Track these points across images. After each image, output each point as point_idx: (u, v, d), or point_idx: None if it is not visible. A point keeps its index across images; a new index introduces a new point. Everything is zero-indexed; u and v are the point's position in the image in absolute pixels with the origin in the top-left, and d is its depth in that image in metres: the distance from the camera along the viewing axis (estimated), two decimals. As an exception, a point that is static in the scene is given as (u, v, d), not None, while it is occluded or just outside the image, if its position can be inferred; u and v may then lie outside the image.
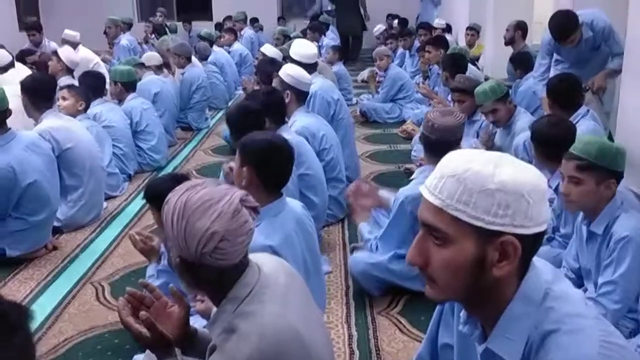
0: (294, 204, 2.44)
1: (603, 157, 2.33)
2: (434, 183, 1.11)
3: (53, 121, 3.96)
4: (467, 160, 1.09)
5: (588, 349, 1.04)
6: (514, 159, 1.13)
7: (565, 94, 3.71)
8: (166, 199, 1.49)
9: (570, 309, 1.11)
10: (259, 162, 2.27)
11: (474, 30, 8.11)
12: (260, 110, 3.30)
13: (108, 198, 4.48)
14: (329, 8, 12.41)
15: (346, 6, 11.66)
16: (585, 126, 3.57)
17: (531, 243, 1.09)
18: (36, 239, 3.59)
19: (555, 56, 4.63)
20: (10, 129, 3.50)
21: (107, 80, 5.55)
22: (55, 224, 3.83)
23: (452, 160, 1.11)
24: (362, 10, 11.98)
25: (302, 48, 4.77)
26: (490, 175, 1.06)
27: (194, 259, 1.44)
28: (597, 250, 2.44)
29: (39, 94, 3.99)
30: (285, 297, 1.58)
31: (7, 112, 3.48)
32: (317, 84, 4.62)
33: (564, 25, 4.26)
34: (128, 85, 5.25)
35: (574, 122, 3.59)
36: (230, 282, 1.51)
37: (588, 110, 3.73)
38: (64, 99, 4.38)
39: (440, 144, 2.80)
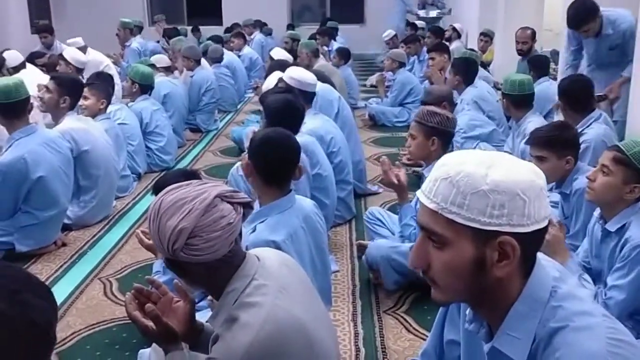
0: (304, 201, 2.44)
1: None
2: (429, 187, 1.11)
3: (74, 122, 4.00)
4: (459, 163, 1.09)
5: (596, 346, 1.04)
6: (509, 158, 1.12)
7: (577, 96, 3.68)
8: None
9: (578, 306, 1.11)
10: (255, 156, 2.29)
11: (487, 37, 8.12)
12: (302, 110, 3.34)
13: (117, 198, 4.52)
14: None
15: None
16: (597, 130, 3.55)
17: (531, 241, 1.09)
18: (45, 235, 3.62)
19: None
20: (31, 124, 3.54)
21: (117, 82, 5.59)
22: (66, 221, 3.86)
23: (446, 163, 1.11)
24: None
25: (298, 73, 4.05)
26: (483, 176, 1.06)
27: (171, 257, 1.47)
28: (612, 251, 2.41)
29: (73, 94, 4.05)
30: (288, 289, 1.58)
31: (26, 103, 3.50)
32: (317, 86, 4.64)
33: (579, 12, 4.24)
34: (144, 87, 5.30)
35: (587, 125, 3.60)
36: (224, 276, 1.53)
37: (601, 114, 3.70)
38: (85, 98, 4.38)
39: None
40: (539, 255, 1.17)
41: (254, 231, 2.22)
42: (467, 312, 1.24)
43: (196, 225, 1.43)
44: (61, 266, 3.49)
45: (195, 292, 2.15)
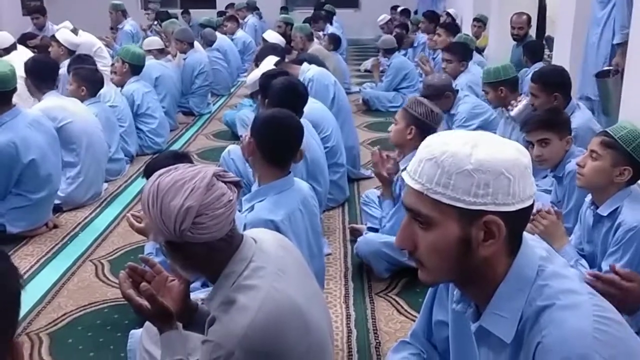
0: (301, 183, 2.44)
1: (629, 142, 2.31)
2: (414, 168, 1.11)
3: (51, 101, 3.98)
4: (444, 143, 1.08)
5: (583, 324, 1.04)
6: (493, 137, 1.12)
7: (567, 84, 3.68)
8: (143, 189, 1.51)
9: (565, 285, 1.11)
10: (260, 135, 2.28)
11: (481, 22, 8.10)
12: (306, 93, 3.32)
13: (110, 181, 4.50)
14: None
15: None
16: (582, 116, 3.54)
17: (516, 220, 1.09)
18: (37, 216, 3.60)
19: None
20: (15, 105, 3.51)
21: (108, 64, 5.54)
22: (55, 201, 3.83)
23: (430, 144, 1.10)
24: None
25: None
26: (467, 156, 1.05)
27: (177, 238, 1.44)
28: (604, 236, 2.42)
29: (41, 75, 4.02)
30: (284, 271, 1.58)
31: (14, 91, 3.50)
32: (312, 70, 4.65)
33: None
34: (135, 68, 5.25)
35: (570, 114, 3.59)
36: (223, 258, 1.52)
37: (578, 105, 3.70)
38: (69, 83, 4.44)
39: None
40: (526, 234, 1.16)
41: (251, 210, 2.22)
42: (455, 292, 1.24)
43: (202, 203, 1.42)
44: (52, 248, 3.48)
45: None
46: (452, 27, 7.17)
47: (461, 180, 1.05)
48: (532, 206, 1.10)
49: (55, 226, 3.72)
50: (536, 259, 1.13)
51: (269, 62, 4.28)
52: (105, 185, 4.37)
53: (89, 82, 4.42)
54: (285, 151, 2.32)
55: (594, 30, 4.57)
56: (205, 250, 1.49)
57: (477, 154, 1.05)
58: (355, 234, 3.47)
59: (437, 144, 1.09)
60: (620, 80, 4.27)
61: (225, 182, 1.50)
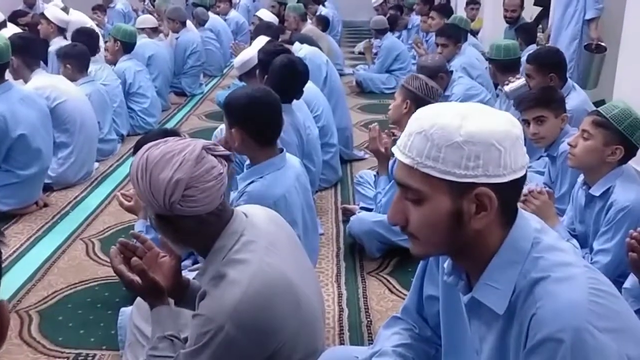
0: (293, 160, 2.43)
1: (621, 121, 2.30)
2: (404, 141, 1.09)
3: (41, 80, 3.92)
4: (433, 115, 1.07)
5: (578, 296, 1.04)
6: (484, 108, 1.10)
7: (564, 64, 3.66)
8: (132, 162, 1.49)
9: (560, 257, 1.10)
10: (246, 120, 2.22)
11: (476, 4, 8.05)
12: (306, 76, 3.29)
13: (101, 161, 4.46)
14: None
15: None
16: (578, 97, 3.54)
17: (509, 191, 1.07)
18: (27, 194, 3.57)
19: None
20: (7, 80, 3.47)
21: (101, 44, 5.46)
22: (46, 181, 3.80)
23: (420, 117, 1.09)
24: None
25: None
26: (457, 128, 1.03)
27: (167, 211, 1.44)
28: (596, 215, 2.42)
29: (29, 52, 3.93)
30: (275, 246, 1.57)
31: (7, 65, 3.46)
32: (305, 50, 4.63)
33: None
34: (127, 45, 5.19)
35: (565, 95, 3.58)
36: (214, 232, 1.51)
37: (574, 86, 3.69)
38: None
39: None
40: (520, 209, 1.15)
41: (247, 188, 2.21)
42: (446, 264, 1.23)
43: (191, 175, 1.41)
44: (42, 226, 3.45)
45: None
46: (445, 9, 7.13)
47: (451, 153, 1.03)
48: (524, 177, 1.09)
49: (46, 205, 3.70)
50: (531, 231, 1.12)
51: (261, 42, 4.23)
52: (97, 164, 4.33)
53: (70, 58, 4.34)
54: (274, 127, 2.28)
55: (565, 9, 4.57)
56: (196, 224, 1.48)
57: (467, 126, 1.04)
58: (348, 214, 3.46)
59: (427, 116, 1.08)
60: (604, 57, 4.29)
61: (215, 156, 1.48)
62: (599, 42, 4.30)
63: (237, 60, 3.98)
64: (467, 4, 8.13)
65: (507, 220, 1.11)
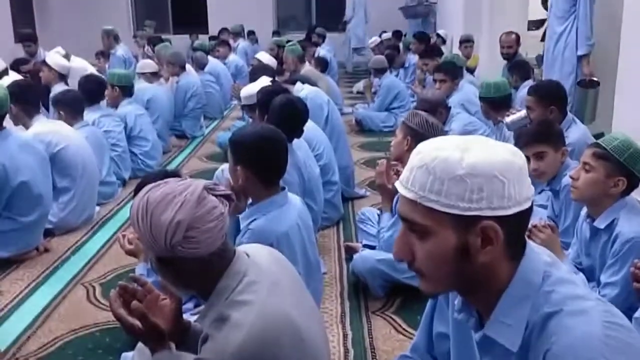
0: (294, 198, 2.42)
1: (622, 152, 2.30)
2: (406, 176, 1.08)
3: (41, 126, 3.94)
4: (434, 149, 1.06)
5: (592, 330, 1.01)
6: (484, 140, 1.09)
7: (565, 98, 3.68)
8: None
9: (572, 290, 1.08)
10: (252, 158, 2.23)
11: (469, 42, 8.16)
12: (306, 115, 3.30)
13: (102, 204, 4.45)
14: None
15: None
16: (578, 131, 3.55)
17: (514, 223, 1.05)
18: (27, 240, 3.54)
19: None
20: (5, 127, 3.49)
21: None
22: (47, 226, 3.79)
23: (421, 151, 1.08)
24: None
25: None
26: (459, 161, 1.02)
27: (168, 253, 1.42)
28: (602, 248, 2.39)
29: (28, 100, 3.97)
30: (279, 286, 1.54)
31: (5, 114, 3.49)
32: (306, 90, 4.68)
33: None
34: (125, 89, 5.25)
35: (565, 129, 3.59)
36: (216, 273, 1.48)
37: (574, 119, 3.71)
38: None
39: None
40: (529, 242, 1.14)
41: (249, 228, 2.19)
42: (456, 301, 1.20)
43: (193, 216, 1.40)
44: (43, 272, 3.42)
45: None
46: (435, 51, 7.19)
47: (454, 186, 1.02)
48: (530, 209, 1.07)
49: (46, 250, 3.67)
50: (541, 265, 1.10)
51: (262, 82, 4.27)
52: (98, 208, 4.32)
53: (63, 105, 4.39)
54: (280, 166, 2.30)
55: (555, 45, 4.62)
56: (197, 266, 1.45)
57: (468, 158, 1.03)
58: (351, 252, 3.43)
59: (428, 150, 1.07)
60: (598, 91, 4.33)
61: (216, 196, 1.47)
62: (592, 78, 4.35)
63: (244, 92, 4.02)
64: (461, 42, 8.25)
65: (515, 254, 1.09)
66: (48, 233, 3.82)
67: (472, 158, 1.03)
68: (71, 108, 4.40)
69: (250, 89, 3.95)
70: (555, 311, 1.04)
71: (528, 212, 1.07)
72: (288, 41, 9.64)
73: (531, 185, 1.09)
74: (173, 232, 1.39)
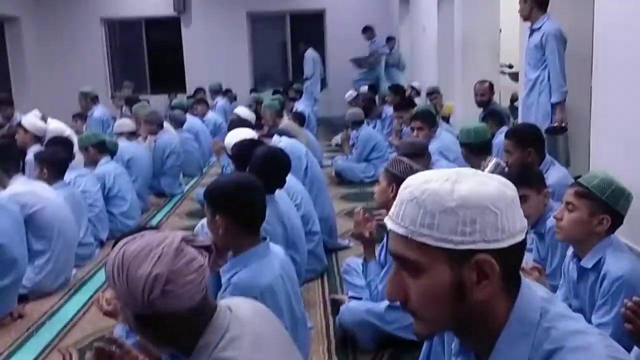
0: (276, 248, 2.37)
1: (603, 190, 2.30)
2: (396, 211, 1.05)
3: (19, 186, 3.88)
4: (423, 182, 1.03)
5: None
6: (474, 172, 1.07)
7: (543, 140, 3.71)
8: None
9: (572, 326, 1.04)
10: (230, 205, 2.19)
11: (436, 93, 8.32)
12: (288, 165, 3.27)
13: (79, 266, 4.34)
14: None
15: None
16: (557, 173, 3.57)
17: (510, 256, 1.02)
18: (0, 306, 3.41)
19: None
20: None
21: (76, 148, 5.49)
22: (21, 291, 3.66)
23: (410, 185, 1.05)
24: None
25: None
26: (449, 193, 1.00)
27: (146, 309, 1.35)
28: (591, 288, 2.36)
29: (7, 159, 3.94)
30: (263, 341, 1.48)
31: None
32: (284, 142, 4.69)
33: None
34: (99, 146, 5.21)
35: (544, 171, 3.61)
36: (197, 329, 1.42)
37: (552, 161, 3.73)
38: (35, 168, 4.39)
39: None
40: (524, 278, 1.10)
41: (231, 281, 2.12)
42: (454, 345, 1.15)
43: (170, 269, 1.33)
44: (17, 339, 3.28)
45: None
46: (408, 102, 7.27)
47: (445, 219, 0.99)
48: (524, 241, 1.04)
49: (20, 316, 3.53)
50: (538, 300, 1.06)
51: (245, 133, 4.27)
52: (74, 271, 4.21)
53: (47, 164, 4.34)
54: (260, 211, 2.26)
55: (529, 91, 4.72)
56: (177, 322, 1.39)
57: (459, 190, 1.00)
58: (337, 305, 3.35)
59: (417, 183, 1.04)
60: (567, 136, 4.40)
61: (195, 247, 1.42)
62: (561, 125, 4.42)
63: (228, 140, 4.02)
64: (428, 94, 8.43)
65: (511, 289, 1.05)
66: (22, 298, 3.69)
67: (463, 190, 1.00)
68: (56, 168, 4.37)
69: (233, 138, 3.95)
70: (557, 348, 1.00)
71: (522, 244, 1.04)
72: (275, 91, 9.79)
73: (523, 217, 1.06)
74: (151, 286, 1.33)
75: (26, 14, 12.91)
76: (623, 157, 3.42)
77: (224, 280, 2.19)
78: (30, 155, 5.22)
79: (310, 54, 12.42)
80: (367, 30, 12.40)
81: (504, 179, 1.06)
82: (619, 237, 2.44)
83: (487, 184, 1.02)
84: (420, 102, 8.88)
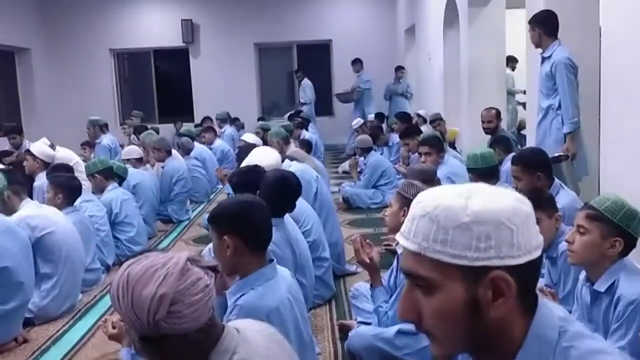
0: (283, 271, 2.34)
1: (615, 213, 2.27)
2: (408, 227, 1.02)
3: (30, 210, 3.88)
4: (436, 197, 1.01)
5: None
6: (487, 187, 1.04)
7: (543, 162, 3.68)
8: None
9: (592, 345, 1.00)
10: (237, 224, 2.17)
11: (439, 120, 8.34)
12: (299, 189, 3.28)
13: (85, 292, 4.31)
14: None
15: None
16: (567, 196, 3.54)
17: (526, 274, 0.99)
18: (5, 330, 3.38)
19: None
20: None
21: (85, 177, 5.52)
22: (27, 315, 3.63)
23: (422, 200, 1.03)
24: None
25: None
26: (462, 208, 0.97)
27: (152, 331, 1.32)
28: (604, 312, 2.32)
29: (19, 182, 3.98)
30: None
31: None
32: (294, 166, 4.68)
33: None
34: (106, 173, 5.22)
35: (555, 195, 3.58)
36: (204, 351, 1.39)
37: (561, 185, 3.71)
38: (47, 192, 4.41)
39: None
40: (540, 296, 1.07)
41: (237, 303, 2.09)
42: None
43: (176, 289, 1.31)
44: (22, 364, 3.24)
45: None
46: (414, 130, 7.28)
47: (459, 235, 0.96)
48: (541, 258, 1.01)
49: (25, 340, 3.49)
50: (556, 319, 1.02)
51: (266, 151, 4.32)
52: (80, 296, 4.17)
53: (65, 189, 4.35)
54: (266, 229, 2.24)
55: (542, 119, 4.71)
56: (183, 343, 1.36)
57: (472, 205, 0.97)
58: (345, 330, 3.30)
59: (429, 199, 1.01)
60: (571, 163, 4.38)
61: (200, 267, 1.40)
62: (567, 154, 4.41)
63: (257, 157, 4.06)
64: (431, 122, 8.45)
65: (527, 308, 1.02)
66: (27, 323, 3.65)
67: (476, 205, 0.97)
68: (70, 194, 4.39)
69: (264, 158, 4.01)
70: None
71: (539, 261, 1.00)
72: (291, 115, 9.81)
73: (539, 233, 1.03)
74: (156, 307, 1.30)
75: (36, 45, 13.11)
76: (632, 179, 3.39)
77: (230, 302, 2.16)
78: (38, 182, 5.24)
79: (307, 81, 12.63)
80: (356, 63, 12.50)
81: (518, 194, 1.04)
82: (632, 260, 2.40)
83: (501, 199, 0.99)
84: (427, 129, 8.90)
